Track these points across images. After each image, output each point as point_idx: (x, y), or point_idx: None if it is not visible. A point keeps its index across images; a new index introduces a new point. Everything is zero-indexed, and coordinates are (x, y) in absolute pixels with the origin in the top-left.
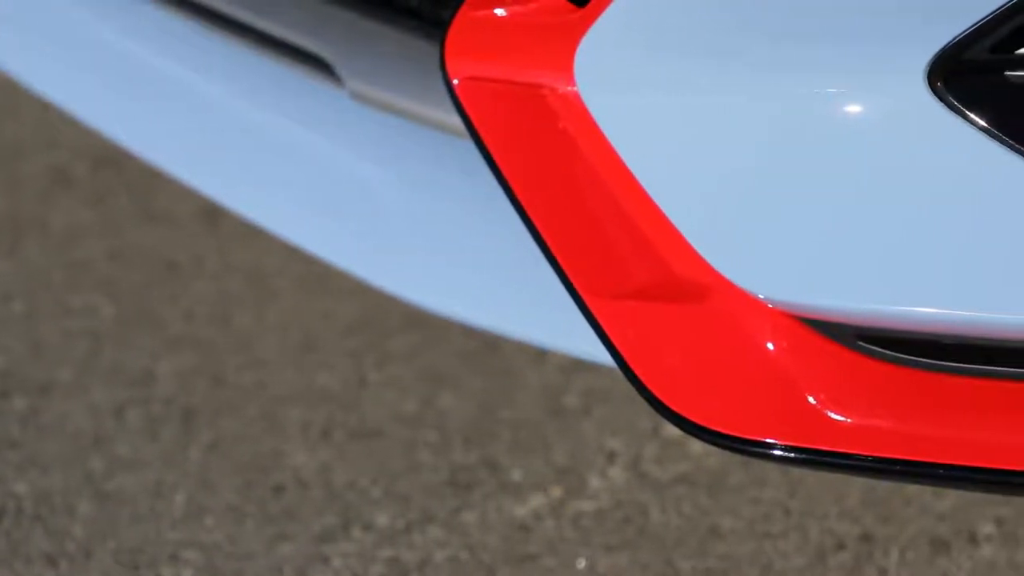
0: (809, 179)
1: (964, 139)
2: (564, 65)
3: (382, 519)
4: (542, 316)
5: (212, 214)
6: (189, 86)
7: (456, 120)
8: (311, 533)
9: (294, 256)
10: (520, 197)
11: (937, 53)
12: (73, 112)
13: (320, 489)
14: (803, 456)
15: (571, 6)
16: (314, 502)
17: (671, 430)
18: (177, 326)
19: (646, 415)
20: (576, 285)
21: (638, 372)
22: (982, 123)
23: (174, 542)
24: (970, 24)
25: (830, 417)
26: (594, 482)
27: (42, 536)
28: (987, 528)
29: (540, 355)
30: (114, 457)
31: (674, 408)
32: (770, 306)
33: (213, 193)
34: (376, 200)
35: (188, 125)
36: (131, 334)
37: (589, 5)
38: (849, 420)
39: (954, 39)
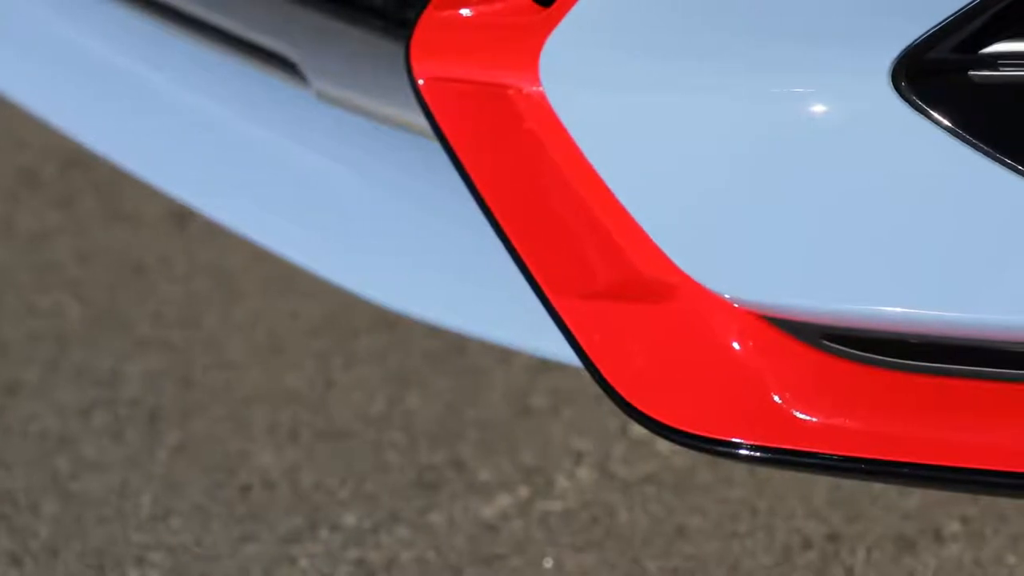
0: (774, 179)
1: (928, 139)
2: (529, 65)
3: (349, 519)
4: (508, 316)
5: (180, 215)
6: (155, 87)
7: (422, 120)
8: (278, 534)
9: (261, 257)
10: (486, 197)
11: (901, 53)
12: (39, 113)
13: (287, 490)
14: (769, 455)
15: (536, 6)
16: (281, 503)
17: (638, 430)
18: (144, 327)
19: (613, 415)
20: (542, 285)
21: (604, 372)
22: (946, 123)
23: (140, 543)
24: (934, 24)
25: (796, 416)
26: (561, 482)
27: (7, 536)
28: (953, 526)
29: (507, 355)
30: (80, 458)
31: (640, 408)
32: (736, 306)
33: (180, 194)
34: (342, 201)
35: (155, 126)
36: (98, 335)
37: (554, 5)
38: (815, 419)
39: (918, 39)
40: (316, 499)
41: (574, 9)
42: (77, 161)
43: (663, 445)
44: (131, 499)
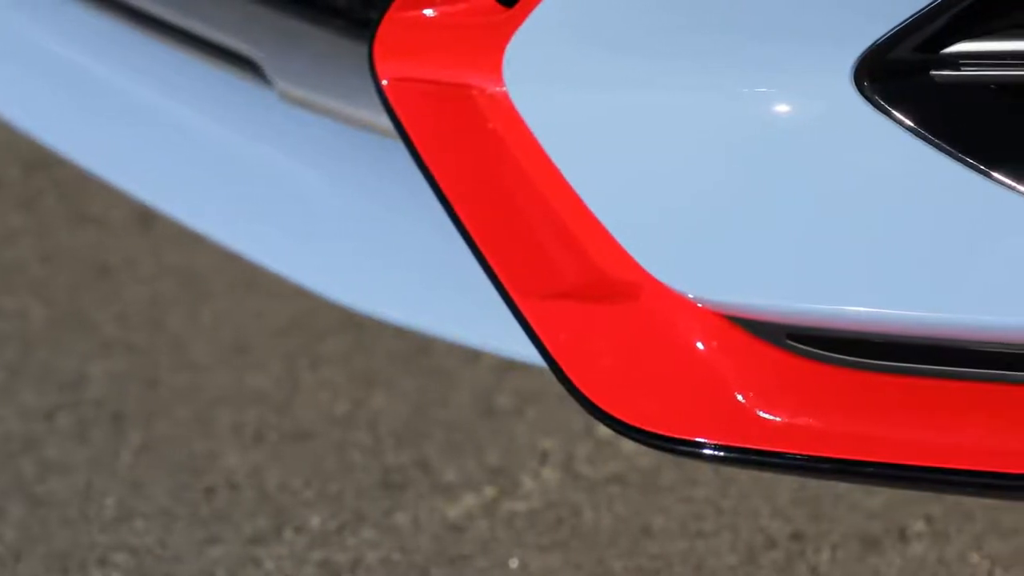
0: (737, 178)
1: (890, 138)
2: (493, 65)
3: (314, 521)
4: (473, 317)
5: (144, 217)
6: (118, 88)
7: (385, 121)
8: (243, 535)
9: (227, 258)
10: (450, 198)
11: (863, 52)
12: (2, 115)
13: (252, 491)
14: (734, 455)
15: (499, 6)
16: (246, 504)
17: (603, 430)
18: (109, 329)
19: (579, 415)
20: (506, 286)
21: (569, 372)
22: (908, 122)
23: (104, 545)
24: (896, 23)
25: (760, 416)
26: (527, 482)
27: None
28: (917, 525)
29: (472, 356)
30: (44, 460)
31: (605, 408)
32: (700, 305)
33: (144, 196)
34: (306, 201)
35: (118, 127)
36: (62, 337)
37: (517, 5)
38: (779, 419)
39: (880, 38)
40: (281, 500)
41: (536, 10)
42: (40, 162)
43: (628, 445)
44: (95, 501)
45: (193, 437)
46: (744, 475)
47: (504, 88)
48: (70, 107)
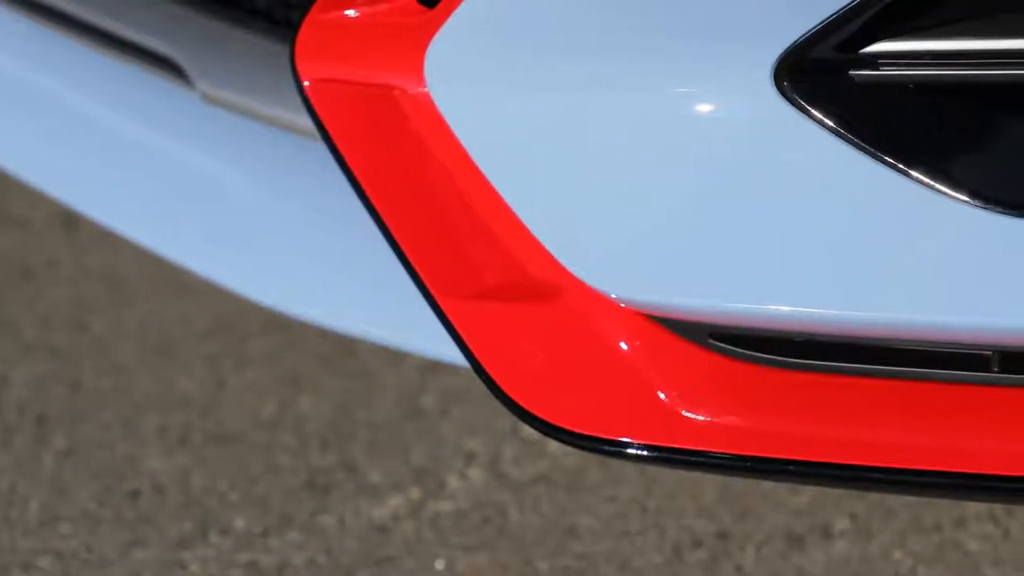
0: (658, 178)
1: (810, 138)
2: (414, 66)
3: (240, 523)
4: (398, 318)
5: (67, 219)
6: (40, 89)
7: (307, 122)
8: (168, 538)
9: (150, 260)
10: (372, 199)
11: (783, 52)
12: None
13: (177, 494)
14: (658, 455)
15: (421, 7)
16: (171, 507)
17: (529, 430)
18: (32, 332)
19: (504, 415)
20: (428, 286)
21: (492, 373)
22: (828, 122)
23: (28, 550)
24: (816, 23)
25: (684, 415)
26: (452, 483)
27: None
28: (841, 523)
29: (397, 357)
30: None
31: (528, 408)
32: (622, 305)
33: (66, 198)
34: (229, 203)
35: (40, 129)
36: None
37: (438, 6)
38: (702, 418)
39: (800, 38)
40: (206, 503)
41: (457, 11)
42: None
43: (554, 445)
44: (19, 505)
45: (117, 440)
46: (669, 474)
47: (426, 89)
48: None
